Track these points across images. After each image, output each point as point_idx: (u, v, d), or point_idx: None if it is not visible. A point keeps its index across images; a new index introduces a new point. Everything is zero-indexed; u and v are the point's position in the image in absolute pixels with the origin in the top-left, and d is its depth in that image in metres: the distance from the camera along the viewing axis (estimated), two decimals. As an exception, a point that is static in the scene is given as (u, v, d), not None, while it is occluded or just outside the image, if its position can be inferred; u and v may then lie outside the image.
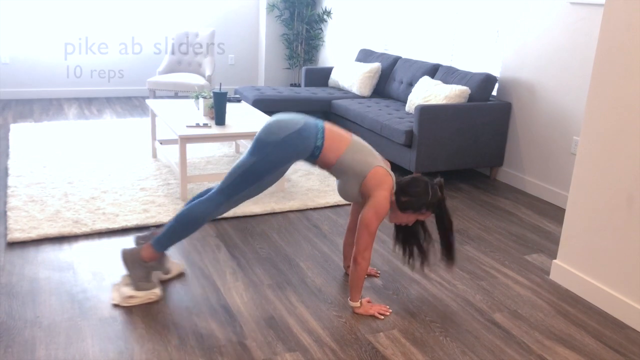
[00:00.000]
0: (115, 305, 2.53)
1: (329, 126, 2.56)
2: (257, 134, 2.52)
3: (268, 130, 2.48)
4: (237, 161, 2.54)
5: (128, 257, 2.60)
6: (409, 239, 2.73)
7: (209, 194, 2.57)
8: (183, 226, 2.56)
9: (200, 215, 2.53)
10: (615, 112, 2.63)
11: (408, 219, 2.61)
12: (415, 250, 2.73)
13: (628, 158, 2.58)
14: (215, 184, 2.74)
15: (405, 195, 2.54)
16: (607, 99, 2.66)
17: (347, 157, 2.50)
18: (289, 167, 2.55)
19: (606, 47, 2.65)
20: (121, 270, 2.84)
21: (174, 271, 2.83)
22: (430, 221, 2.67)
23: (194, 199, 2.75)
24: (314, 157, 2.51)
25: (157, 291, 2.61)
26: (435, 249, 2.78)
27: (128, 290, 2.57)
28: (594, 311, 2.72)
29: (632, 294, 2.61)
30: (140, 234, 2.77)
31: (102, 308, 2.52)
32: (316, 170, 4.53)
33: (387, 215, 2.59)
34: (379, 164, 2.52)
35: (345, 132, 2.60)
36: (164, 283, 2.75)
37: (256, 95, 5.21)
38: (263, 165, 2.47)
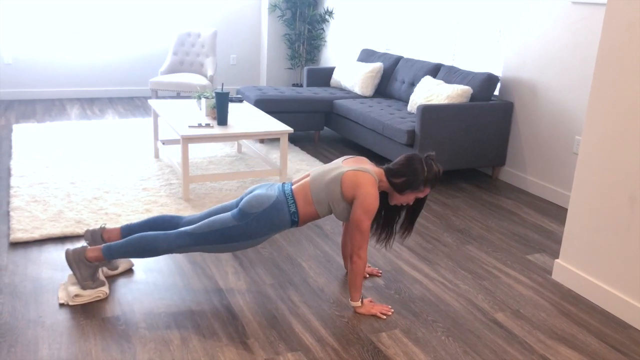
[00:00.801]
0: (62, 305, 2.52)
1: (295, 186, 2.61)
2: (241, 204, 2.57)
3: (249, 204, 2.54)
4: (219, 215, 2.56)
5: (71, 258, 2.57)
6: (390, 219, 2.73)
7: (178, 231, 2.55)
8: (140, 250, 2.54)
9: (161, 248, 2.54)
10: (617, 111, 2.63)
11: (408, 198, 2.59)
12: (388, 229, 2.74)
13: (630, 157, 2.58)
14: (188, 215, 2.77)
15: (400, 177, 2.53)
16: (609, 99, 2.66)
17: (317, 194, 2.55)
18: (265, 239, 2.60)
19: (608, 46, 2.65)
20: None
21: (122, 267, 2.83)
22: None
23: (159, 219, 2.76)
24: (295, 223, 2.58)
25: (104, 289, 2.60)
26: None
27: (75, 290, 2.56)
28: (596, 311, 2.72)
29: (635, 293, 2.61)
30: (90, 228, 2.75)
31: (105, 307, 2.52)
32: (318, 170, 4.53)
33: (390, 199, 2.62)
34: (344, 170, 2.52)
35: (304, 177, 2.65)
36: (168, 283, 2.76)
37: (258, 96, 5.22)
38: (242, 232, 2.52)
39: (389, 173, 2.56)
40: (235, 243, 2.54)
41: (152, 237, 2.54)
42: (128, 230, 2.77)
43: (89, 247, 2.61)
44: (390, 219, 2.73)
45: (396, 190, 2.55)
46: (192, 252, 2.65)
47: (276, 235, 3.35)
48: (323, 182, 2.55)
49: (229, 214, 2.56)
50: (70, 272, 2.75)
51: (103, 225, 2.84)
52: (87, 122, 5.78)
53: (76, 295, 2.54)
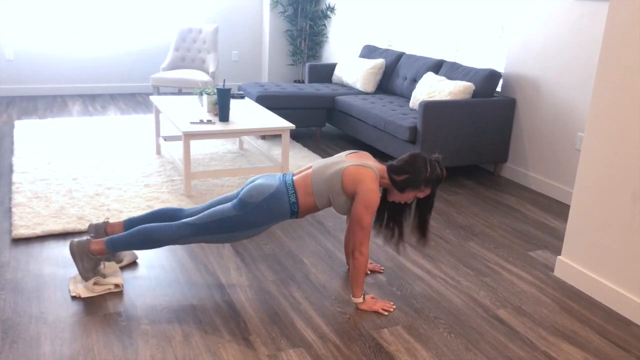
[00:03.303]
0: (74, 297, 2.55)
1: (296, 176, 2.62)
2: (241, 193, 2.58)
3: (248, 193, 2.55)
4: (220, 206, 2.57)
5: (75, 249, 2.59)
6: (394, 217, 2.72)
7: (180, 222, 2.57)
8: (142, 241, 2.56)
9: (163, 239, 2.55)
10: (620, 107, 2.62)
11: (407, 197, 2.59)
12: (397, 229, 2.73)
13: (633, 154, 2.57)
14: (191, 206, 2.77)
15: (402, 174, 2.52)
16: (612, 95, 2.65)
17: (317, 187, 2.55)
18: (265, 229, 2.61)
19: (611, 42, 2.63)
20: (127, 266, 2.86)
21: (126, 260, 2.85)
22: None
23: (161, 212, 2.77)
24: (295, 213, 2.59)
25: (119, 281, 2.64)
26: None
27: (92, 281, 2.60)
28: (598, 307, 2.72)
29: (637, 290, 2.60)
30: (93, 223, 2.76)
31: (107, 304, 2.52)
32: (320, 167, 4.53)
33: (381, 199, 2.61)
34: (346, 165, 2.52)
35: (305, 169, 2.65)
36: (170, 279, 2.76)
37: (260, 92, 5.21)
38: (242, 222, 2.53)
39: (392, 170, 2.56)
40: (236, 233, 2.55)
41: (154, 228, 2.55)
42: (130, 223, 2.79)
43: (93, 239, 2.62)
44: (396, 219, 2.72)
45: (396, 188, 2.55)
46: (194, 243, 2.66)
47: (278, 232, 3.35)
48: (325, 175, 2.55)
49: (229, 204, 2.57)
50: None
51: (106, 220, 2.85)
52: (88, 119, 5.78)
53: (95, 284, 2.58)
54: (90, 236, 2.80)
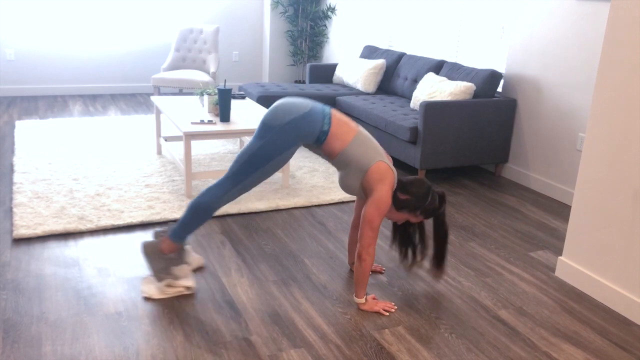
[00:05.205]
0: (147, 298, 2.58)
1: (335, 113, 2.55)
2: (263, 117, 2.52)
3: (274, 113, 2.49)
4: (243, 148, 2.54)
5: (148, 249, 2.64)
6: (404, 241, 2.76)
7: (218, 180, 2.57)
8: (194, 215, 2.56)
9: (209, 202, 2.54)
10: (621, 108, 2.62)
11: (400, 217, 2.62)
12: (410, 253, 2.76)
13: (634, 154, 2.57)
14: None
15: (405, 194, 2.54)
16: (613, 95, 2.65)
17: (352, 149, 2.50)
18: (294, 151, 2.53)
19: (612, 42, 2.63)
20: (129, 266, 2.87)
21: (194, 264, 2.86)
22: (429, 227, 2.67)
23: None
24: (320, 142, 2.52)
25: (190, 284, 2.65)
26: (428, 256, 2.78)
27: (164, 282, 2.63)
28: (599, 308, 2.72)
29: (638, 290, 2.60)
30: (158, 229, 2.77)
31: (108, 304, 2.52)
32: (321, 167, 4.53)
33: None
34: (382, 159, 2.52)
35: (352, 122, 2.59)
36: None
37: (260, 92, 5.21)
38: (269, 148, 2.47)
39: (398, 186, 2.57)
40: (267, 166, 2.48)
41: (199, 198, 2.55)
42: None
43: (162, 237, 2.65)
44: (405, 241, 2.75)
45: (395, 205, 2.56)
46: (238, 196, 2.57)
47: (279, 232, 3.35)
48: (361, 147, 2.51)
49: (252, 139, 2.52)
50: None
51: (171, 225, 2.79)
52: (89, 119, 5.78)
53: (168, 285, 2.61)
54: (161, 234, 2.75)
